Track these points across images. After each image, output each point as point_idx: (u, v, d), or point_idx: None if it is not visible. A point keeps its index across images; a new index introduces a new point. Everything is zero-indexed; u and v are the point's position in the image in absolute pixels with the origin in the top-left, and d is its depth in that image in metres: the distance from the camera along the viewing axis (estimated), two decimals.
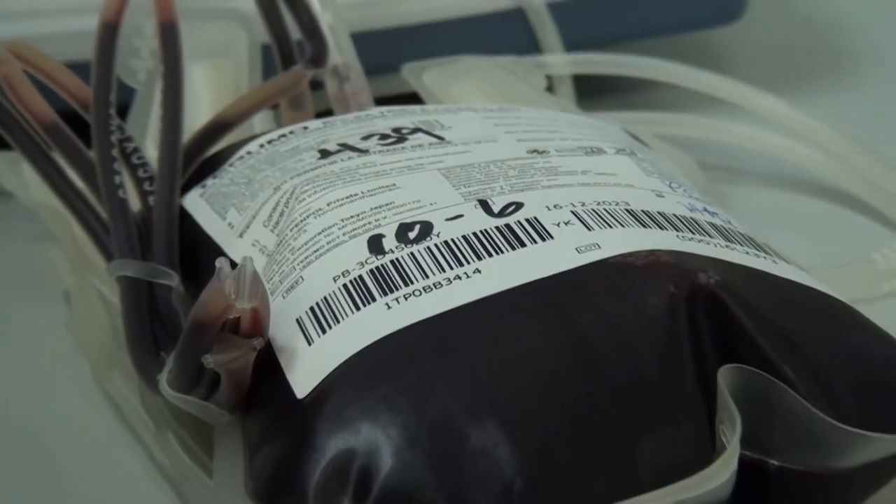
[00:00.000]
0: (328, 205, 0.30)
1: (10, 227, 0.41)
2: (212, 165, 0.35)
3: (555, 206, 0.29)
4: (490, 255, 0.28)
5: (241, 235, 0.31)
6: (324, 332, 0.27)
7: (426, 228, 0.29)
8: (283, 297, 0.29)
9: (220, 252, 0.31)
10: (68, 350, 0.36)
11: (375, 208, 0.30)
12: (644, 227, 0.29)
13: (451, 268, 0.28)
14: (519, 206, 0.29)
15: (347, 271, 0.28)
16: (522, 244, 0.28)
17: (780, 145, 0.45)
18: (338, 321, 0.27)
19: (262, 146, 0.34)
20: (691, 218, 0.30)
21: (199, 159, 0.35)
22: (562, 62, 0.46)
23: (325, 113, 0.38)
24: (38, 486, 0.33)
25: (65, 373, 0.36)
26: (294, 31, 0.39)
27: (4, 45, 0.34)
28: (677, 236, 0.29)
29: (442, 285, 0.27)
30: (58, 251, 0.38)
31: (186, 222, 0.33)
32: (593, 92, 0.46)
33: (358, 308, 0.27)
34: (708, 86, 0.45)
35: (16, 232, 0.40)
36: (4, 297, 0.40)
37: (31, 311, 0.39)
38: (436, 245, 0.28)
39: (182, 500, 0.31)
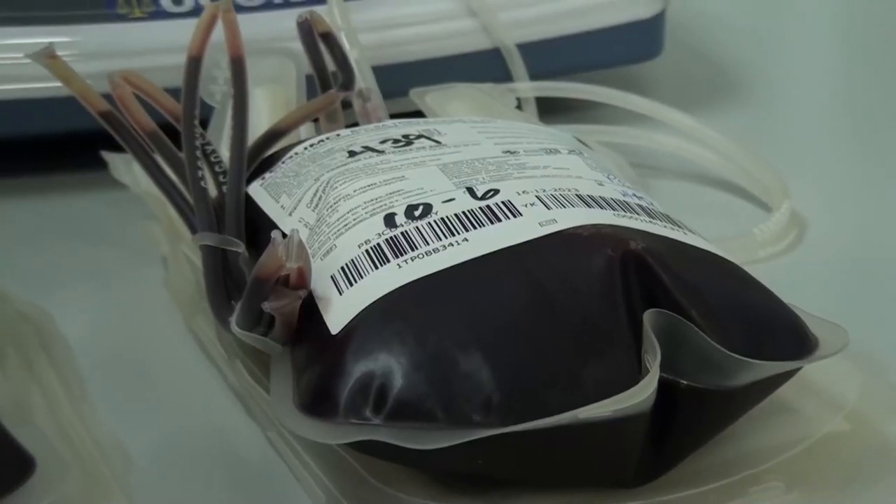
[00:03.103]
0: (354, 191, 0.30)
1: (124, 210, 0.41)
2: (269, 163, 0.34)
3: (523, 192, 0.29)
4: (475, 227, 0.27)
5: (290, 214, 0.31)
6: (351, 285, 0.27)
7: (427, 208, 0.28)
8: (321, 260, 0.28)
9: (274, 226, 0.31)
10: (165, 300, 0.36)
11: (390, 194, 0.29)
12: (589, 207, 0.28)
13: (446, 237, 0.27)
14: (496, 191, 0.29)
15: (369, 240, 0.28)
16: (499, 220, 0.28)
17: (687, 149, 0.45)
18: (361, 277, 0.27)
19: (305, 148, 0.33)
20: (624, 201, 0.29)
21: (260, 158, 0.34)
22: (527, 88, 0.46)
23: (352, 124, 0.37)
24: (142, 399, 0.32)
25: (163, 316, 0.36)
26: (330, 65, 0.38)
27: (119, 73, 0.34)
28: (614, 214, 0.28)
29: (439, 250, 0.27)
30: (158, 227, 0.38)
31: (250, 205, 0.32)
32: (551, 109, 0.46)
33: (377, 267, 0.27)
34: (635, 105, 0.45)
35: (128, 213, 0.40)
36: (120, 260, 0.39)
37: (139, 271, 0.39)
38: (435, 221, 0.28)
39: (247, 411, 0.31)
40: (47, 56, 0.33)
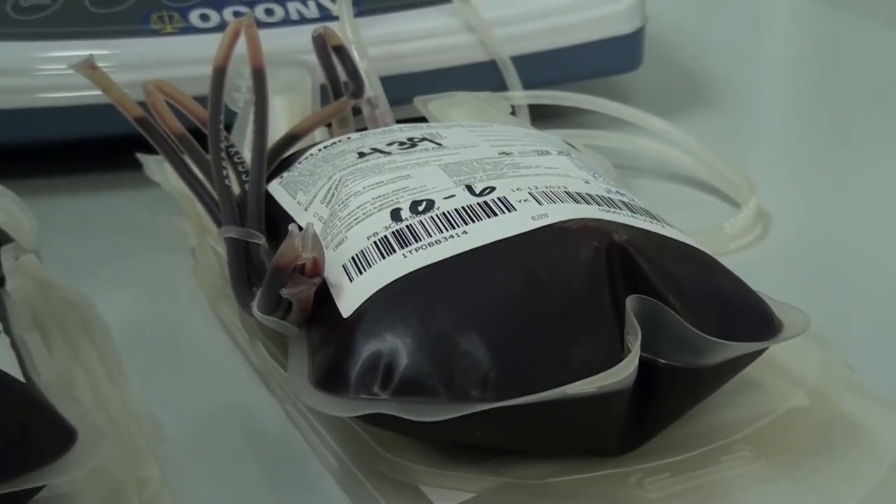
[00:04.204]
0: (364, 188, 0.29)
1: (156, 206, 0.40)
2: (287, 163, 0.34)
3: (517, 189, 0.28)
4: (473, 221, 0.27)
5: (305, 209, 0.31)
6: (361, 273, 0.27)
7: (430, 204, 0.28)
8: (334, 251, 0.28)
9: (291, 220, 0.30)
10: (193, 287, 0.36)
11: (396, 191, 0.29)
12: (577, 203, 0.28)
13: (447, 230, 0.27)
14: (493, 189, 0.28)
15: (377, 232, 0.27)
16: (495, 214, 0.27)
17: (664, 151, 0.44)
18: (370, 266, 0.27)
19: (319, 150, 0.33)
20: (608, 197, 0.29)
21: (279, 159, 0.34)
22: (520, 96, 0.46)
23: (362, 129, 0.37)
24: (174, 377, 0.32)
25: (191, 302, 0.36)
26: (341, 75, 0.38)
27: (152, 83, 0.34)
28: (599, 209, 0.28)
29: (441, 242, 0.27)
30: (186, 221, 0.38)
31: (270, 201, 0.32)
32: (542, 116, 0.46)
33: (384, 257, 0.27)
34: (618, 112, 0.45)
35: (160, 209, 0.40)
36: (152, 252, 0.39)
37: (169, 262, 0.38)
38: (437, 215, 0.27)
39: (267, 387, 0.31)
40: (88, 67, 0.33)
